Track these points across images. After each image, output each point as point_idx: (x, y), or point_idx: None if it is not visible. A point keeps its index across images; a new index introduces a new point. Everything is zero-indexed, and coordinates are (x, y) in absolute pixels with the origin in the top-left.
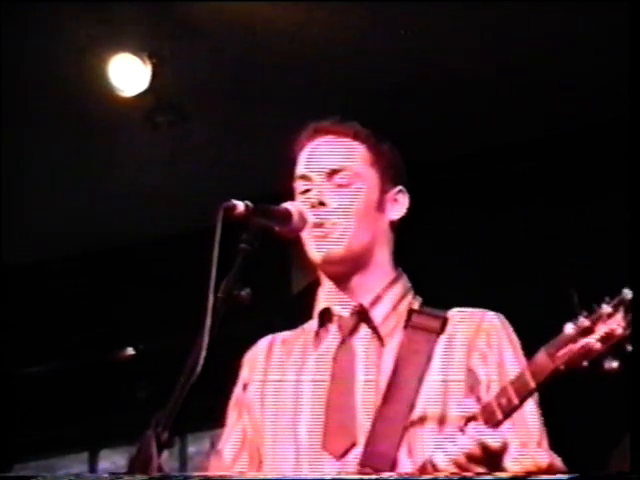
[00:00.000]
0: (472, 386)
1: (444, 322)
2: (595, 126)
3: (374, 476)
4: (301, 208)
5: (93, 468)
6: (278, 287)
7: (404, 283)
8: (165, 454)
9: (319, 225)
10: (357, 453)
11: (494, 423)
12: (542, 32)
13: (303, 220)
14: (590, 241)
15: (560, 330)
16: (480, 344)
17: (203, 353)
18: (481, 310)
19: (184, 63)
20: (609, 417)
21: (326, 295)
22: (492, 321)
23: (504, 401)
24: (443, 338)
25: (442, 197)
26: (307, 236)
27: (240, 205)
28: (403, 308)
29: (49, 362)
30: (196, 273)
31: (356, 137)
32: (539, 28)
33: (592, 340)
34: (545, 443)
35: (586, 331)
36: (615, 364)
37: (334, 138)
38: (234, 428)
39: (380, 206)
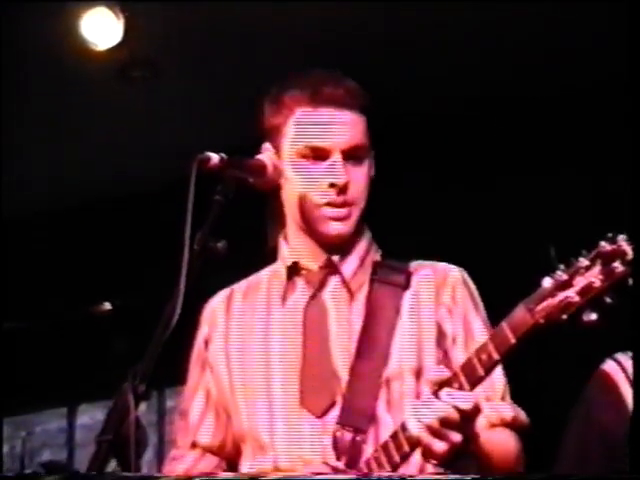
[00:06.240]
0: (438, 339)
1: (408, 276)
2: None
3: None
4: (275, 160)
5: (72, 423)
6: (254, 239)
7: (368, 235)
8: (143, 408)
9: (340, 205)
10: (337, 412)
11: (475, 379)
12: None
13: (278, 172)
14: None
15: (538, 285)
16: (445, 298)
17: (179, 306)
18: (444, 264)
19: (157, 17)
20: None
21: (293, 248)
22: (456, 276)
23: (484, 357)
24: (409, 293)
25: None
26: (323, 213)
27: (214, 157)
28: (368, 261)
29: (26, 317)
30: (171, 226)
31: (361, 110)
32: None
33: (571, 293)
34: (508, 397)
35: (564, 285)
36: (594, 316)
37: (343, 110)
38: (198, 387)
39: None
